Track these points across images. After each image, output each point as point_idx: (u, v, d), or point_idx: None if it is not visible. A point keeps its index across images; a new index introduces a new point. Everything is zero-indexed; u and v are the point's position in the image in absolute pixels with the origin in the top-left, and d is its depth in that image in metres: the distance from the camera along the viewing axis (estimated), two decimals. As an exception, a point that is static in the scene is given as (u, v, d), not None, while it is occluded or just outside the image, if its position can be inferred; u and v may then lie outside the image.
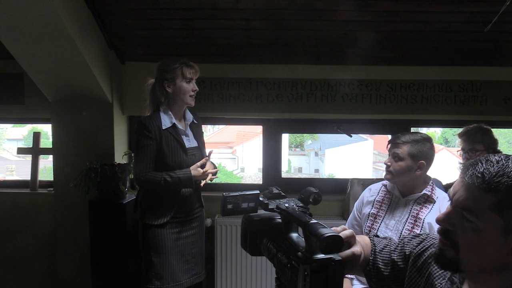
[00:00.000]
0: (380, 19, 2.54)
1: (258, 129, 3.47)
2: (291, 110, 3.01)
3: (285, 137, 7.96)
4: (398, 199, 1.94)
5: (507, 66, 2.91)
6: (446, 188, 2.29)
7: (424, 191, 1.89)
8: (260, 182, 3.30)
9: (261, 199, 1.01)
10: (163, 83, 2.16)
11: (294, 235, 0.94)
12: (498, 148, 2.42)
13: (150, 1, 2.45)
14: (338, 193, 3.08)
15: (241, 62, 2.95)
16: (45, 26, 2.22)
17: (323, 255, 0.79)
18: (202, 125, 2.44)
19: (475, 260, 0.82)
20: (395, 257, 1.06)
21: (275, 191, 1.02)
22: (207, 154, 2.26)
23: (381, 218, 1.95)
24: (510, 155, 0.83)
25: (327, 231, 0.78)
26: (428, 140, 1.92)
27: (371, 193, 2.07)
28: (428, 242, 1.05)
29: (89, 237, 2.79)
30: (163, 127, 2.13)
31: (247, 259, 2.91)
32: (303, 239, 0.85)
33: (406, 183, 1.91)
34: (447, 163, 5.37)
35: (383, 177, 2.04)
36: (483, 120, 2.60)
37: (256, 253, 1.02)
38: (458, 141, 2.57)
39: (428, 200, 1.89)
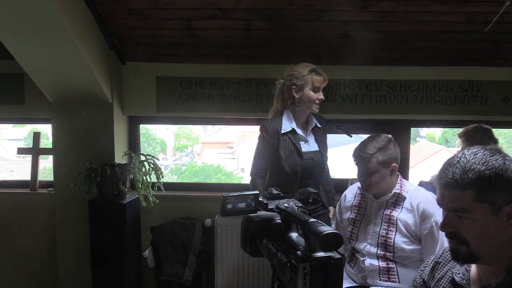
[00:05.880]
0: (379, 19, 2.53)
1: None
2: (291, 110, 3.00)
3: (285, 137, 7.90)
4: (372, 202, 1.95)
5: (507, 66, 2.90)
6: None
7: (394, 191, 1.89)
8: (260, 182, 3.29)
9: (260, 199, 1.01)
10: (291, 89, 2.22)
11: (294, 234, 0.94)
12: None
13: (150, 1, 2.45)
14: (338, 193, 3.06)
15: (241, 62, 2.95)
16: (45, 26, 2.22)
17: (322, 253, 0.79)
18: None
19: (485, 245, 0.95)
20: None
21: (275, 192, 1.03)
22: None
23: (359, 223, 1.97)
24: (466, 149, 0.99)
25: (327, 229, 0.78)
26: (389, 140, 1.89)
27: (348, 198, 2.07)
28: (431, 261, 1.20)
29: (89, 237, 2.79)
30: (282, 131, 2.22)
31: (247, 259, 2.91)
32: (303, 238, 0.86)
33: (382, 187, 1.91)
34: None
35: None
36: (483, 120, 2.60)
37: (256, 254, 1.02)
38: (458, 141, 2.56)
39: (399, 197, 1.89)
